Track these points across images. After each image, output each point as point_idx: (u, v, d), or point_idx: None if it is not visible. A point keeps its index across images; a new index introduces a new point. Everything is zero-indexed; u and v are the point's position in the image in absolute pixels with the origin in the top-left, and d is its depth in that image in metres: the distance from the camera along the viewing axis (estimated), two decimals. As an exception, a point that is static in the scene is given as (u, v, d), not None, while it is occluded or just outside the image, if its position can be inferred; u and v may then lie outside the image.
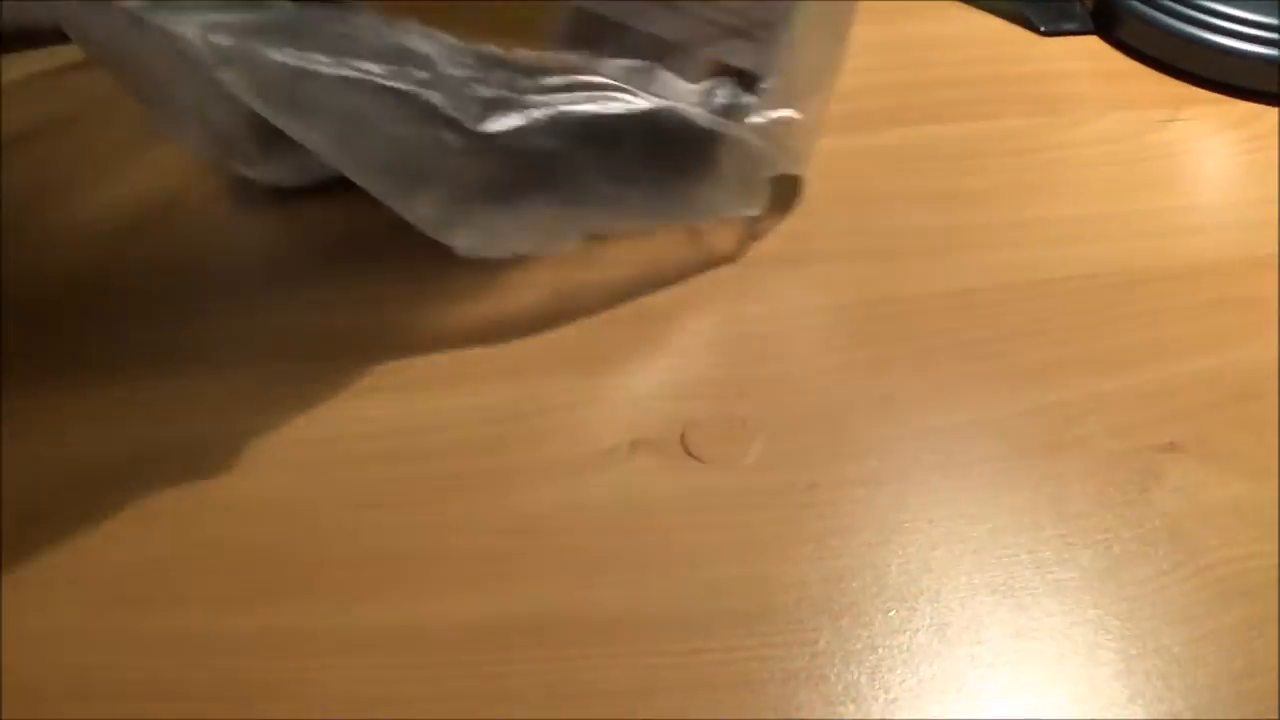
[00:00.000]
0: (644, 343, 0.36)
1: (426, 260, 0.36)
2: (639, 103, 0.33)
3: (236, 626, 0.30)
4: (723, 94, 0.35)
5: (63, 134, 0.46)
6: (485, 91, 0.31)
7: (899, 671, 0.28)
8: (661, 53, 0.33)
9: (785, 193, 0.41)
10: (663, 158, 0.34)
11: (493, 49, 0.31)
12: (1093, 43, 0.51)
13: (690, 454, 0.32)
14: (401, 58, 0.30)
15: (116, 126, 0.46)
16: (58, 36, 0.48)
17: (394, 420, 0.34)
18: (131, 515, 0.32)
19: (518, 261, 0.39)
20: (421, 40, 0.30)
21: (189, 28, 0.28)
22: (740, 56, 0.35)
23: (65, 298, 0.39)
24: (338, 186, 0.34)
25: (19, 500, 0.33)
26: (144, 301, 0.38)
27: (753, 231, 0.40)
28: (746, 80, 0.35)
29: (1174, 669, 0.28)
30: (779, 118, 0.36)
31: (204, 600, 0.30)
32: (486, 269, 0.38)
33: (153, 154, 0.44)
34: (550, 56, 0.32)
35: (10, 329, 0.37)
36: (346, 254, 0.39)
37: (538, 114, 0.32)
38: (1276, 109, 0.46)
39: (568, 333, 0.36)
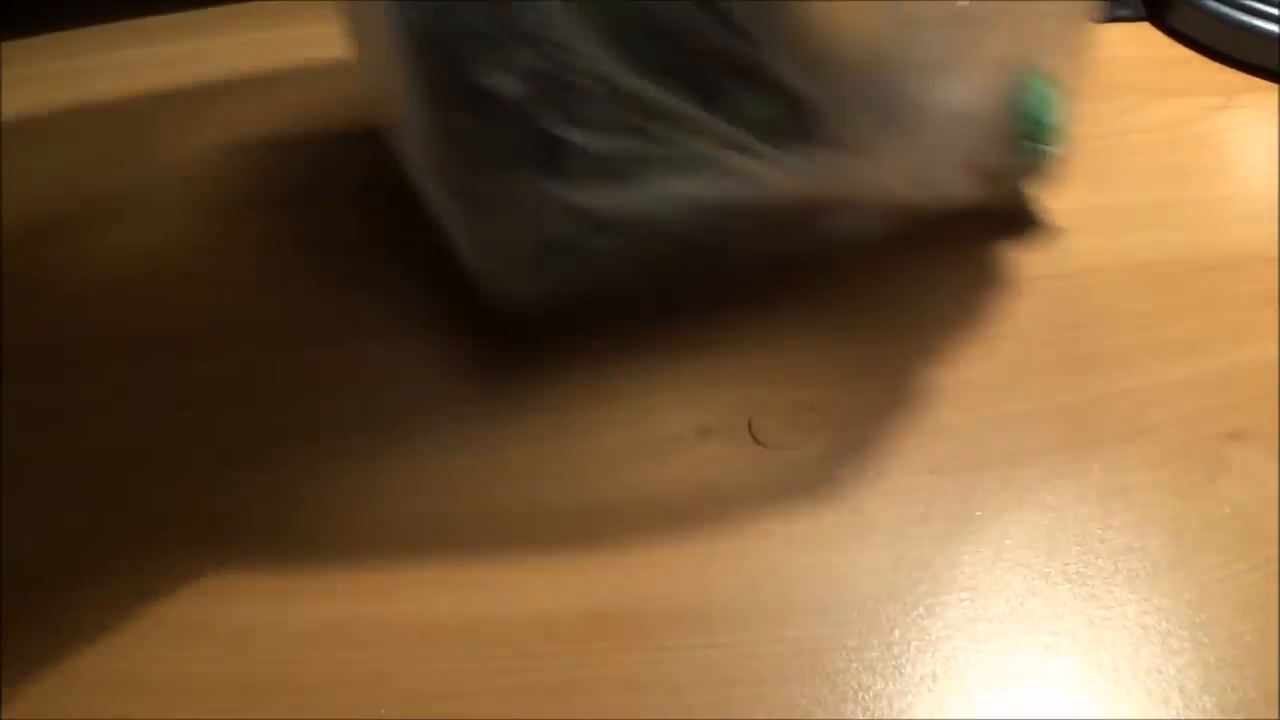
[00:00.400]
0: (710, 328, 0.36)
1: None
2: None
3: (298, 618, 0.30)
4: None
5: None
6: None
7: (974, 661, 0.28)
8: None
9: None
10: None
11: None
12: (1145, 29, 0.51)
13: (758, 441, 0.32)
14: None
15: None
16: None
17: (452, 406, 0.34)
18: (190, 502, 0.32)
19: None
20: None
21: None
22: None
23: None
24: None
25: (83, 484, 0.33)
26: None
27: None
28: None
29: (1246, 657, 0.27)
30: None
31: (264, 592, 0.30)
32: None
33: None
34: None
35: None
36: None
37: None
38: (1331, 97, 0.46)
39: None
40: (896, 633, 0.28)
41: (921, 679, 0.27)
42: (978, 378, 0.34)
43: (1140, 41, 0.50)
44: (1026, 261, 0.38)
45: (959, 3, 0.28)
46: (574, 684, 0.28)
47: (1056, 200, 0.40)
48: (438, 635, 0.29)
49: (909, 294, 0.37)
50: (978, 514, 0.31)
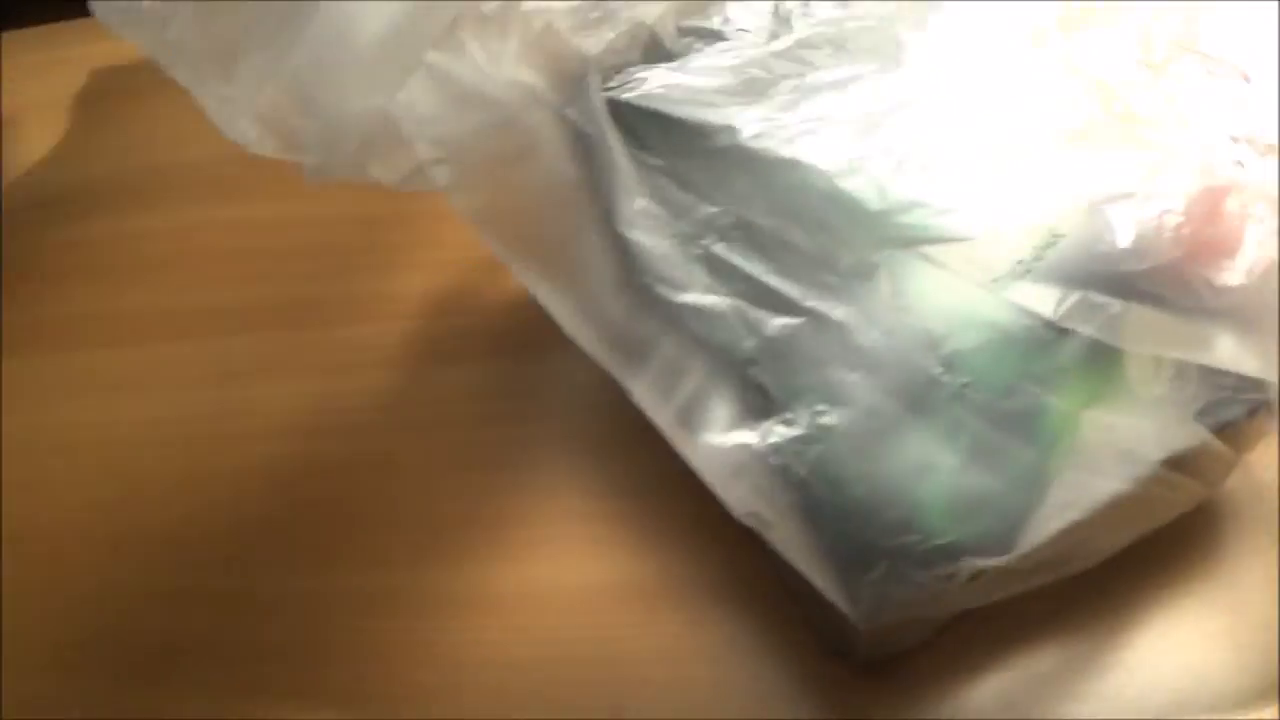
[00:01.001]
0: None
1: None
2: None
3: (344, 587, 0.30)
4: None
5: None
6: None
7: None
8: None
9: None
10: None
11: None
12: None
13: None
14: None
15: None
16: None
17: (501, 381, 0.34)
18: (234, 475, 0.33)
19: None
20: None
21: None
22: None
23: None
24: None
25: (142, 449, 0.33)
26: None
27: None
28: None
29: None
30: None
31: (311, 561, 0.31)
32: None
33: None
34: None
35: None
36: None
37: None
38: None
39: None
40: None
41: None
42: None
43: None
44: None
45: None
46: (613, 656, 0.28)
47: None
48: (479, 606, 0.30)
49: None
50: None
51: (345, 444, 0.33)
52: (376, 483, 0.32)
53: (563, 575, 0.30)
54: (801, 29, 0.28)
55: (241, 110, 0.25)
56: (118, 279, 0.39)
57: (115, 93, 0.46)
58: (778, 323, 0.26)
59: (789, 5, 0.29)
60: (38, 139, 0.44)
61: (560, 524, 0.31)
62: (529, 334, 0.35)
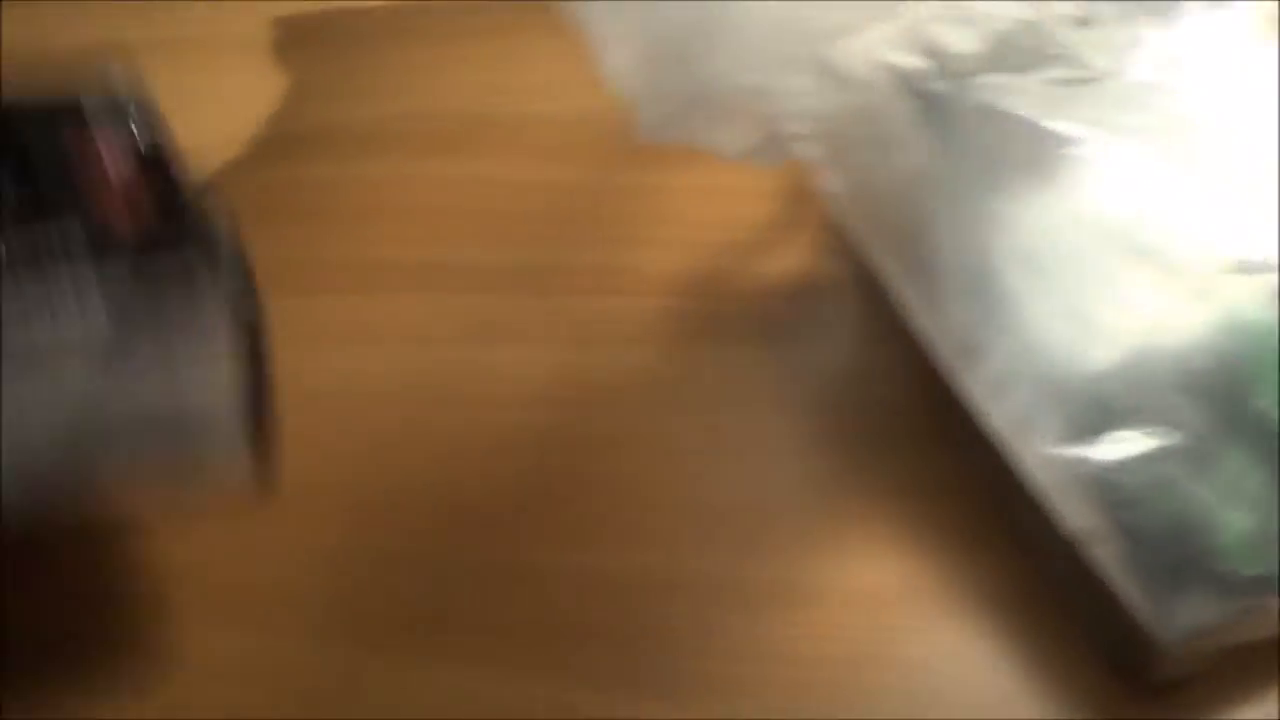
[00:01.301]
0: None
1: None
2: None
3: (606, 566, 0.30)
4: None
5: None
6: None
7: None
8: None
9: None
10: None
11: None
12: None
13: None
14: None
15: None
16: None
17: (753, 369, 0.34)
18: (479, 439, 0.32)
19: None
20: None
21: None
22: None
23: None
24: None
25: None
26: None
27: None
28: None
29: None
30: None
31: (568, 536, 0.30)
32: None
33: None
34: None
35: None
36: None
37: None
38: None
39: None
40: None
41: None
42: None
43: None
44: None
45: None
46: (879, 658, 0.28)
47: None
48: (737, 598, 0.29)
49: None
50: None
51: (592, 417, 0.33)
52: (627, 461, 0.32)
53: (839, 573, 0.30)
54: (1128, 73, 0.30)
55: (625, 48, 0.25)
56: (347, 226, 0.38)
57: (317, 39, 0.45)
58: (1121, 340, 0.26)
59: (1116, 53, 0.29)
60: (245, 81, 0.44)
61: (830, 520, 0.31)
62: (783, 323, 0.35)
